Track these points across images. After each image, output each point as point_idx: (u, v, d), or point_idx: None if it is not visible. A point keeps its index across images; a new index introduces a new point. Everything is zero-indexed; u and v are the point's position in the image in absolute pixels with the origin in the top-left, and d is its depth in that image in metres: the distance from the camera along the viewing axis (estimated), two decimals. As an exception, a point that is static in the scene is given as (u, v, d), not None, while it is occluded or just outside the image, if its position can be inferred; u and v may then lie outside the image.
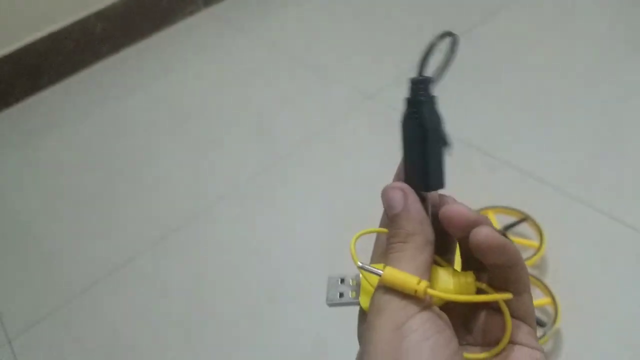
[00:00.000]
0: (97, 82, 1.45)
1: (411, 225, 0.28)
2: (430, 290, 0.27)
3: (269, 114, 1.28)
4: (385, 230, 0.30)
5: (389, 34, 1.46)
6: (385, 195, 0.29)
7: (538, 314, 0.86)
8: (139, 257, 1.03)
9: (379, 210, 0.31)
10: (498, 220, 0.95)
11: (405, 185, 0.29)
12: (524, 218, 0.94)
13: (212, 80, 1.40)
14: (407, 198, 0.28)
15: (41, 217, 1.14)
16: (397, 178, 0.30)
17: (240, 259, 1.01)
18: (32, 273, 1.04)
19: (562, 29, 1.41)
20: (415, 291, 0.26)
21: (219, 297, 0.96)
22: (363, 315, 0.30)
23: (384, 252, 0.30)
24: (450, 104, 1.25)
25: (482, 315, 0.30)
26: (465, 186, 1.05)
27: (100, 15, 1.48)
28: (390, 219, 0.29)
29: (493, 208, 0.96)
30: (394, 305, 0.26)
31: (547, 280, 0.88)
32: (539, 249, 0.90)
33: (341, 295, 0.31)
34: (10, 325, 0.96)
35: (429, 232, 0.28)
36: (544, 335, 0.81)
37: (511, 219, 0.95)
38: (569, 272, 0.91)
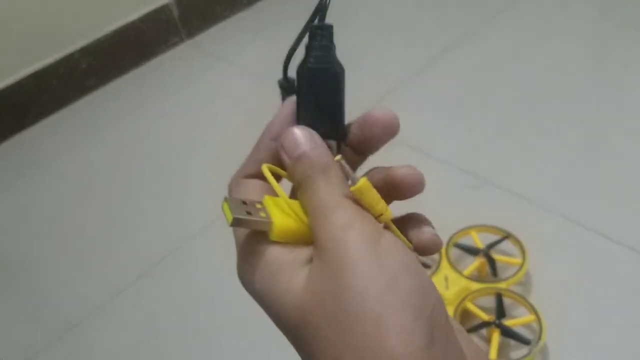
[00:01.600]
0: (83, 117, 1.46)
1: (326, 159, 0.27)
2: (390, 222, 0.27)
3: (252, 141, 1.29)
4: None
5: (370, 53, 1.48)
6: (290, 135, 0.28)
7: (523, 331, 0.86)
8: (126, 290, 1.03)
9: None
10: (481, 239, 0.96)
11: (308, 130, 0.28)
12: (506, 236, 0.95)
13: (196, 109, 1.42)
14: (314, 137, 0.28)
15: (28, 256, 1.14)
16: (279, 126, 0.30)
17: (226, 286, 1.01)
18: (22, 312, 1.04)
19: (540, 45, 1.43)
20: (381, 214, 0.27)
21: (209, 328, 0.96)
22: (256, 243, 0.28)
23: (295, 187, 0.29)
24: (428, 124, 1.26)
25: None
26: (447, 206, 1.07)
27: (84, 50, 1.50)
28: (295, 158, 0.28)
29: (475, 227, 0.97)
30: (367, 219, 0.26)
31: (531, 298, 0.89)
32: (521, 265, 0.90)
33: (248, 213, 0.27)
34: (1, 366, 0.96)
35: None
36: (529, 353, 0.81)
37: (494, 237, 0.96)
38: (553, 288, 0.92)
